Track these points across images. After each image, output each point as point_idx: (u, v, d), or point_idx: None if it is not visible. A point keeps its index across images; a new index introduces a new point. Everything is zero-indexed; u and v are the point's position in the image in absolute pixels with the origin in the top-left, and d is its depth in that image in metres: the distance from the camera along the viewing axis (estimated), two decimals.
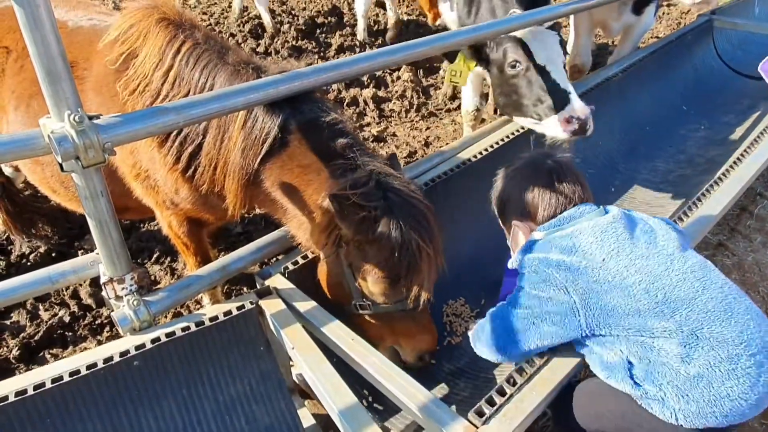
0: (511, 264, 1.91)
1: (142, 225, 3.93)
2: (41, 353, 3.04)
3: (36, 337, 3.07)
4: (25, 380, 1.67)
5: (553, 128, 2.76)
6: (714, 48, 4.81)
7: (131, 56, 2.15)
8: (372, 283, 1.87)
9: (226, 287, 3.41)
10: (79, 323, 3.21)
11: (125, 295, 1.86)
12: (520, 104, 2.89)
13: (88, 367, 1.71)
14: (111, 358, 1.73)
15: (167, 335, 1.81)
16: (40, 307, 3.30)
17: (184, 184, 2.20)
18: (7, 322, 3.19)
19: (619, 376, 1.63)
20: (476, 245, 2.75)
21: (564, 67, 2.86)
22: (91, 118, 1.56)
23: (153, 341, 1.79)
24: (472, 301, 2.60)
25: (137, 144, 2.23)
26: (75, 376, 1.69)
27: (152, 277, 3.53)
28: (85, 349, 3.05)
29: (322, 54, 6.23)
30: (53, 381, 1.66)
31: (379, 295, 1.90)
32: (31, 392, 1.63)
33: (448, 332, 2.43)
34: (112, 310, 1.91)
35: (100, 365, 1.71)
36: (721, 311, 1.55)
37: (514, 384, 1.63)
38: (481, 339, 1.88)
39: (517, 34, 2.85)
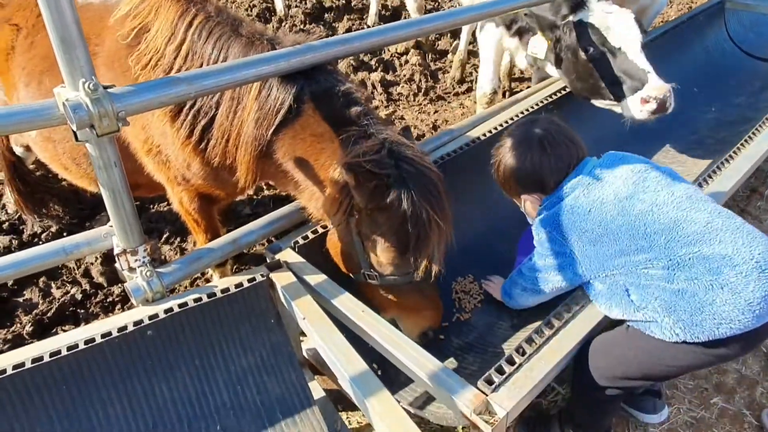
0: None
1: (151, 206, 3.95)
2: (54, 329, 3.08)
3: (48, 314, 3.11)
4: (42, 347, 1.69)
5: (631, 109, 2.80)
6: (725, 30, 4.75)
7: (143, 31, 2.15)
8: (381, 252, 1.88)
9: (235, 266, 3.43)
10: (91, 301, 3.24)
11: (138, 267, 1.88)
12: (598, 87, 2.91)
13: (103, 336, 1.73)
14: (125, 327, 1.76)
15: (180, 306, 1.83)
16: (52, 285, 3.34)
17: (196, 158, 2.21)
18: (20, 300, 3.24)
19: (618, 299, 1.79)
20: (485, 223, 2.75)
21: (641, 47, 2.84)
22: (106, 87, 1.57)
23: (166, 311, 1.81)
24: (480, 278, 2.60)
25: (149, 119, 2.24)
26: (90, 344, 1.71)
27: (163, 257, 3.56)
28: None
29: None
30: (69, 348, 1.69)
31: (387, 265, 1.90)
32: (47, 359, 1.66)
33: (458, 309, 2.44)
34: (125, 282, 1.93)
35: (115, 334, 1.74)
36: (703, 233, 1.69)
37: (524, 354, 1.65)
38: (517, 285, 2.16)
39: (591, 18, 2.84)
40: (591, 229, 1.81)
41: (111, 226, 1.88)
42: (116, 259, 1.89)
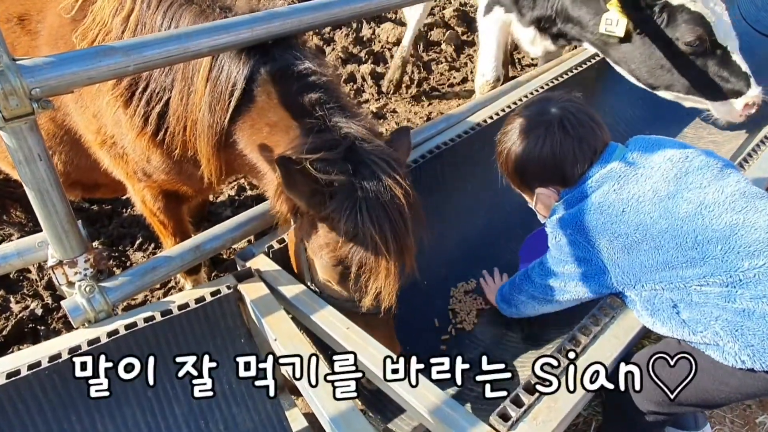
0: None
1: (124, 210, 3.64)
2: (10, 350, 2.76)
3: (4, 332, 2.80)
4: None
5: (729, 112, 2.64)
6: (738, 10, 4.47)
7: (88, 2, 1.87)
8: (318, 267, 1.60)
9: (213, 274, 3.12)
10: (53, 316, 2.93)
11: (78, 281, 1.57)
12: (688, 84, 2.66)
13: (30, 367, 1.42)
14: (58, 356, 1.45)
15: (127, 327, 1.52)
16: (11, 299, 3.02)
17: (156, 150, 1.92)
18: None
19: (664, 315, 1.50)
20: (489, 218, 2.45)
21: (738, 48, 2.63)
22: (17, 60, 1.26)
23: (110, 334, 1.50)
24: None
25: (100, 105, 1.95)
26: (14, 378, 1.40)
27: (135, 265, 3.24)
28: None
29: (317, 31, 5.90)
30: None
31: (326, 284, 1.62)
32: None
33: (459, 319, 2.13)
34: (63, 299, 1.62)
35: (45, 364, 1.42)
36: (766, 242, 1.38)
37: (545, 379, 1.34)
38: (523, 292, 1.84)
39: (695, 6, 2.55)
40: (625, 233, 1.48)
41: None
42: (51, 272, 1.58)
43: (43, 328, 2.87)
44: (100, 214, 3.59)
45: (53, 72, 1.24)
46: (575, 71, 3.03)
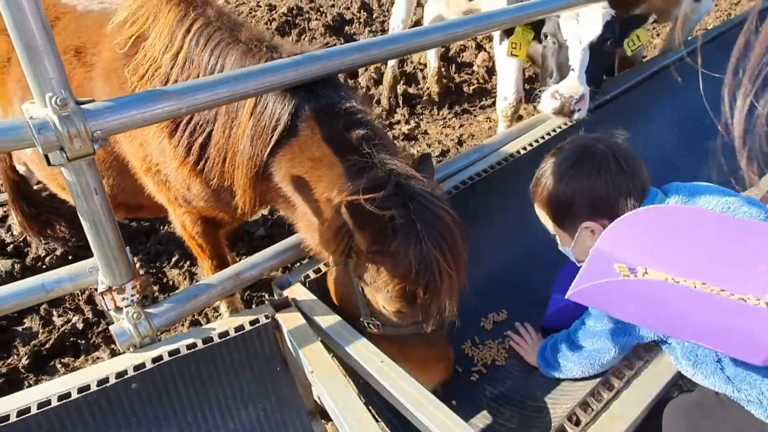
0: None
1: (161, 227, 3.76)
2: (52, 362, 2.88)
3: (47, 345, 2.91)
4: (10, 404, 1.46)
5: (543, 101, 2.73)
6: None
7: (141, 39, 1.97)
8: (384, 301, 1.64)
9: (246, 293, 3.19)
10: (93, 330, 3.04)
11: (126, 306, 1.65)
12: (543, 78, 2.86)
13: (80, 390, 1.49)
14: (106, 380, 1.51)
15: (170, 353, 1.58)
16: (54, 312, 3.14)
17: (195, 179, 2.00)
18: (19, 329, 3.04)
19: (708, 369, 1.45)
20: (521, 251, 2.45)
21: (594, 48, 2.66)
22: (81, 103, 1.34)
23: (154, 360, 1.56)
24: (516, 313, 2.30)
25: (147, 135, 2.04)
26: (64, 400, 1.47)
27: (170, 282, 3.34)
28: (98, 359, 2.88)
29: None
30: (40, 406, 1.45)
31: (391, 315, 1.66)
32: (14, 419, 1.42)
33: (489, 351, 2.14)
34: (112, 323, 1.70)
35: (94, 388, 1.49)
36: None
37: (578, 424, 1.34)
38: (567, 356, 1.77)
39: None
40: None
41: None
42: (101, 298, 1.65)
43: (83, 342, 2.98)
44: (138, 231, 3.71)
45: (113, 115, 1.32)
46: (614, 99, 3.04)
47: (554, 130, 2.71)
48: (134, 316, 1.61)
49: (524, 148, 2.59)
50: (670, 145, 3.34)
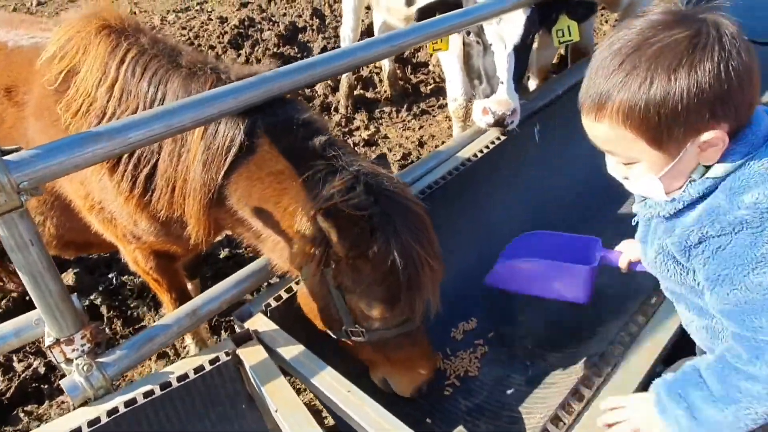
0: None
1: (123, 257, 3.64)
2: (15, 411, 2.75)
3: (8, 394, 2.79)
4: None
5: (474, 113, 2.69)
6: None
7: (72, 73, 1.89)
8: (368, 305, 1.62)
9: (213, 318, 3.11)
10: (56, 374, 2.91)
11: (76, 358, 1.57)
12: (470, 77, 2.81)
13: None
14: None
15: (127, 404, 1.51)
16: (14, 357, 3.01)
17: (143, 213, 1.93)
18: None
19: None
20: (486, 256, 2.42)
21: (519, 48, 2.61)
22: (5, 153, 1.27)
23: (110, 413, 1.49)
24: (486, 320, 2.29)
25: (86, 173, 1.95)
26: None
27: (134, 314, 3.24)
28: (62, 403, 2.76)
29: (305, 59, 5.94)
30: None
31: (376, 318, 1.64)
32: None
33: (461, 362, 2.12)
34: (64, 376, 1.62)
35: None
36: None
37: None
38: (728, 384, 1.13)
39: None
40: None
41: None
42: (49, 351, 1.57)
43: (46, 387, 2.86)
44: (98, 262, 3.59)
45: (39, 164, 1.25)
46: (563, 96, 3.05)
47: (509, 130, 2.70)
48: (85, 368, 1.54)
49: (481, 151, 2.58)
50: None
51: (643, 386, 1.51)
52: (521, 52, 2.61)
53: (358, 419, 1.44)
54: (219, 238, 3.61)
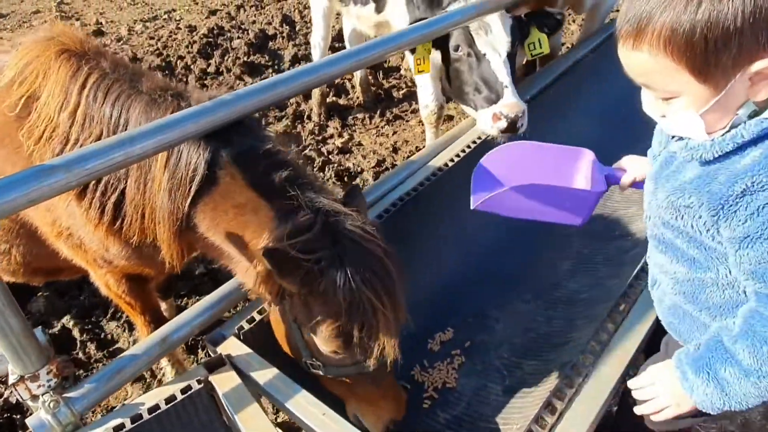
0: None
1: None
2: None
3: None
4: None
5: (483, 122, 2.64)
6: None
7: (32, 99, 1.84)
8: (320, 341, 1.59)
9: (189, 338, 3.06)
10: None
11: (42, 394, 1.53)
12: (462, 91, 2.78)
13: None
14: None
15: None
16: None
17: (114, 239, 1.89)
18: None
19: None
20: (460, 265, 2.45)
21: (508, 56, 2.65)
22: None
23: None
24: (462, 329, 2.29)
25: (52, 200, 1.90)
26: None
27: (109, 336, 3.18)
28: None
29: (276, 67, 5.90)
30: None
31: (330, 355, 1.61)
32: None
33: (438, 374, 2.12)
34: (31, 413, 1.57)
35: None
36: None
37: None
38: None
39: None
40: None
41: None
42: (14, 389, 1.53)
43: (19, 416, 2.78)
44: (70, 284, 3.51)
45: None
46: (533, 102, 3.07)
47: (479, 138, 2.72)
48: (51, 404, 1.50)
49: (452, 160, 2.58)
50: (599, 136, 3.42)
51: (615, 393, 1.53)
52: (512, 59, 2.66)
53: None
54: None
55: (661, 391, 1.26)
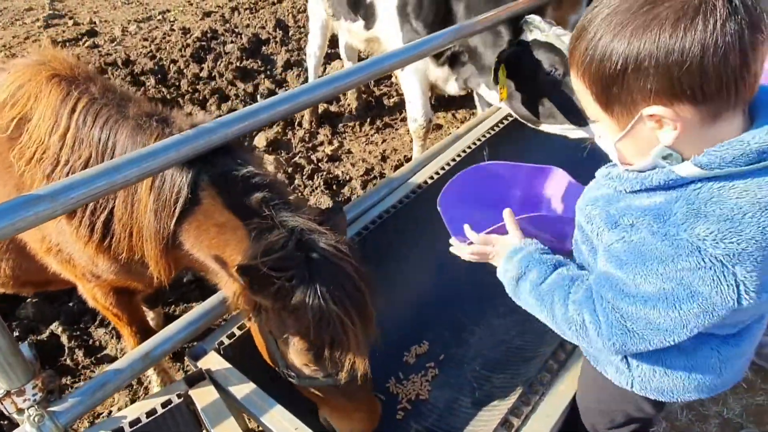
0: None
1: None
2: None
3: None
4: None
5: (587, 134, 2.64)
6: None
7: (24, 120, 1.91)
8: (293, 353, 1.68)
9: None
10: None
11: (27, 408, 1.60)
12: (554, 112, 2.74)
13: None
14: None
15: None
16: None
17: (103, 256, 1.97)
18: None
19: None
20: (437, 280, 2.53)
21: None
22: None
23: None
24: (437, 342, 2.38)
25: None
26: None
27: (97, 343, 3.25)
28: None
29: (268, 73, 5.96)
30: None
31: (302, 367, 1.70)
32: None
33: (412, 386, 2.21)
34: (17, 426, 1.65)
35: None
36: None
37: None
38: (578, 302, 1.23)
39: (544, 38, 2.69)
40: None
41: None
42: None
43: (6, 422, 2.85)
44: (58, 292, 3.57)
45: None
46: (508, 120, 3.15)
47: (459, 155, 2.80)
48: (36, 418, 1.57)
49: (431, 178, 2.67)
50: (578, 155, 3.51)
51: (569, 409, 1.62)
52: None
53: None
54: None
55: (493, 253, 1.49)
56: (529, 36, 2.75)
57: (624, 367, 1.40)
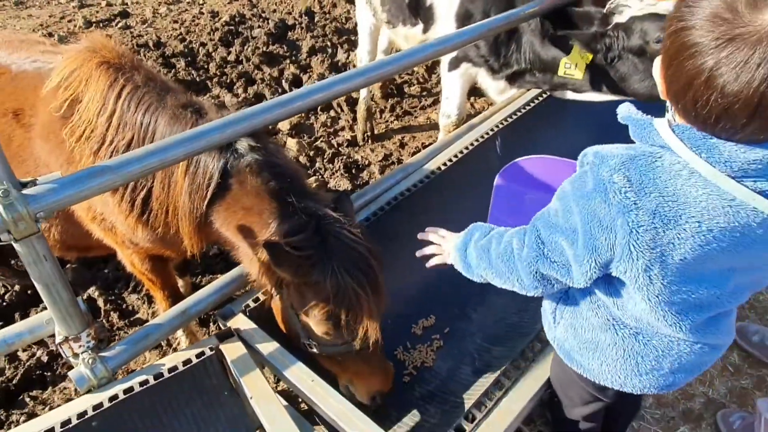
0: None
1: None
2: (21, 396, 3.03)
3: (14, 381, 3.06)
4: None
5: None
6: None
7: (75, 102, 2.13)
8: (314, 325, 1.89)
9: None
10: (58, 362, 3.19)
11: (82, 353, 1.84)
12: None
13: None
14: (69, 421, 1.72)
15: (125, 391, 1.79)
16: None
17: (141, 227, 2.20)
18: None
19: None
20: None
21: None
22: (25, 184, 1.52)
23: (111, 399, 1.77)
24: (443, 317, 2.58)
25: None
26: None
27: (130, 307, 3.51)
28: (65, 389, 3.05)
29: (293, 58, 6.15)
30: None
31: (323, 336, 1.91)
32: None
33: (419, 355, 2.42)
34: (72, 368, 1.89)
35: (58, 429, 1.70)
36: None
37: (473, 420, 1.62)
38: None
39: (643, 11, 2.67)
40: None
41: None
42: (59, 347, 1.85)
43: (49, 374, 3.13)
44: (96, 258, 3.85)
45: (54, 197, 1.51)
46: (526, 109, 3.31)
47: (472, 144, 2.97)
48: (90, 361, 1.81)
49: (444, 164, 2.84)
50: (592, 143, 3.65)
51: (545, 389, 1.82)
52: None
53: (321, 405, 1.73)
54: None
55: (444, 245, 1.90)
56: (622, 17, 2.74)
57: (551, 320, 1.67)
